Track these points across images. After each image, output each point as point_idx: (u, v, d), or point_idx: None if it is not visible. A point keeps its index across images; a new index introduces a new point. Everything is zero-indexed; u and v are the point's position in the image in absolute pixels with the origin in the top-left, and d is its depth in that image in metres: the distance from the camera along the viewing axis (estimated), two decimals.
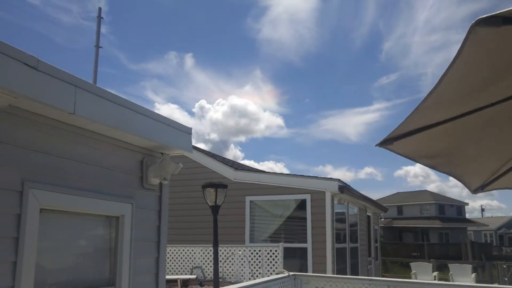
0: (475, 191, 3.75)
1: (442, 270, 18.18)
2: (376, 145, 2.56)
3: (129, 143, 3.26)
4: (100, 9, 8.67)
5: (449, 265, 15.70)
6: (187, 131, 3.66)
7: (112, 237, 3.15)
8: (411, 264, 16.39)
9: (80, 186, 2.81)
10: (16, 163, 2.39)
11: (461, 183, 3.56)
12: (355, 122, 64.62)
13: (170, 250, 9.43)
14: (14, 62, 2.15)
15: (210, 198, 6.71)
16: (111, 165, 3.11)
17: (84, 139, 2.86)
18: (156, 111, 3.24)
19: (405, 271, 20.66)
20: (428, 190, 51.55)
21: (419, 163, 3.02)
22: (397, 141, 2.52)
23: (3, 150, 2.31)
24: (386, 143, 2.53)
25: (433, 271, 15.75)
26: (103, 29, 8.95)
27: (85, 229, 3.02)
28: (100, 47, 8.45)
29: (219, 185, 6.76)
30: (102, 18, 8.65)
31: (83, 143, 2.86)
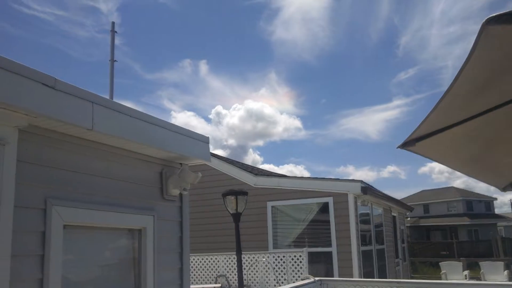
0: (504, 188, 3.64)
1: (473, 268, 17.74)
2: (398, 147, 2.52)
3: (148, 155, 3.29)
4: (113, 23, 8.81)
5: (480, 263, 15.33)
6: (205, 140, 3.68)
7: (135, 249, 3.17)
8: (441, 263, 16.05)
9: (102, 200, 2.84)
10: (38, 181, 2.43)
11: (488, 184, 3.46)
12: (375, 120, 63.91)
13: (194, 259, 9.46)
14: (32, 82, 2.20)
15: (231, 206, 6.71)
16: (131, 178, 3.14)
17: (103, 153, 2.90)
18: (173, 119, 3.29)
19: (435, 271, 20.25)
20: (454, 187, 50.55)
21: (444, 165, 2.94)
22: (419, 142, 2.46)
23: (25, 169, 2.35)
24: (407, 144, 2.48)
25: (463, 270, 15.38)
26: (117, 41, 9.10)
27: (108, 242, 3.05)
28: (115, 60, 8.58)
29: (239, 192, 6.76)
30: (116, 32, 8.78)
31: (102, 157, 2.90)
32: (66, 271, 2.55)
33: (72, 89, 2.43)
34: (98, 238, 2.94)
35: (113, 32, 8.75)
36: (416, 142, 2.53)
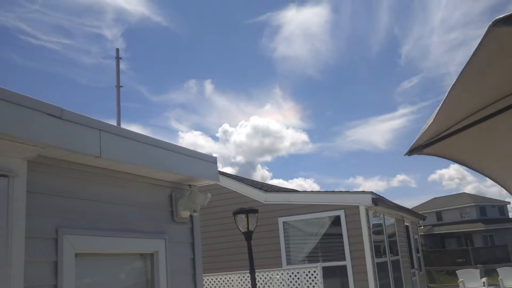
0: None
1: (490, 275, 17.39)
2: (405, 154, 2.50)
3: (157, 178, 3.29)
4: (117, 50, 8.95)
5: (497, 269, 15.04)
6: (212, 160, 3.68)
7: (148, 273, 3.16)
8: (458, 271, 15.76)
9: (112, 227, 2.84)
10: (48, 211, 2.44)
11: (500, 185, 3.41)
12: (381, 130, 63.61)
13: (207, 279, 9.38)
14: (39, 114, 2.23)
15: (242, 225, 6.67)
16: (141, 202, 3.14)
17: (112, 179, 2.91)
18: (180, 140, 3.32)
19: (452, 279, 19.91)
20: (466, 193, 49.95)
21: (456, 163, 2.89)
22: (427, 148, 2.43)
23: (35, 199, 2.36)
24: (414, 151, 2.46)
25: (481, 277, 15.09)
26: (122, 66, 9.24)
27: (120, 268, 3.04)
28: (121, 86, 8.69)
29: (250, 210, 6.72)
30: (121, 58, 8.90)
31: (111, 183, 2.90)
32: None
33: (78, 118, 2.45)
34: (111, 264, 2.93)
35: (118, 58, 8.88)
36: (424, 148, 2.51)
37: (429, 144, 2.42)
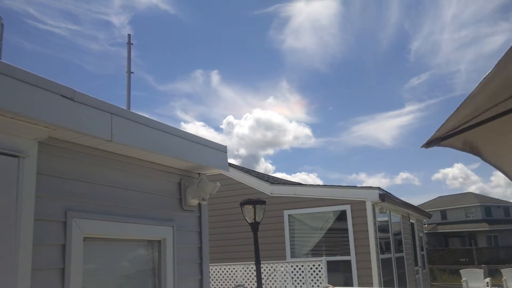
0: None
1: (494, 275, 17.32)
2: (422, 146, 2.43)
3: (167, 165, 3.26)
4: (129, 35, 8.88)
5: (501, 270, 14.94)
6: (223, 149, 3.64)
7: (155, 260, 3.13)
8: (461, 271, 15.67)
9: (121, 212, 2.81)
10: (58, 193, 2.41)
11: None
12: (388, 126, 63.29)
13: (212, 269, 9.40)
14: (51, 94, 2.19)
15: (249, 215, 6.64)
16: (150, 189, 3.11)
17: (123, 164, 2.88)
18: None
19: (455, 279, 19.85)
20: (471, 192, 49.71)
21: (474, 155, 2.82)
22: (445, 141, 2.37)
23: (44, 181, 2.33)
24: (432, 143, 2.40)
25: (484, 277, 15.00)
26: (131, 54, 9.16)
27: (128, 254, 3.02)
28: (132, 72, 8.63)
29: (257, 201, 6.69)
30: (132, 44, 8.84)
31: (121, 169, 2.87)
32: (86, 283, 2.51)
33: (91, 101, 2.41)
34: (118, 250, 2.91)
35: (129, 44, 8.81)
36: (442, 141, 2.44)
37: (448, 137, 2.35)
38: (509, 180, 3.39)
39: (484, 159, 2.77)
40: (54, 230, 2.36)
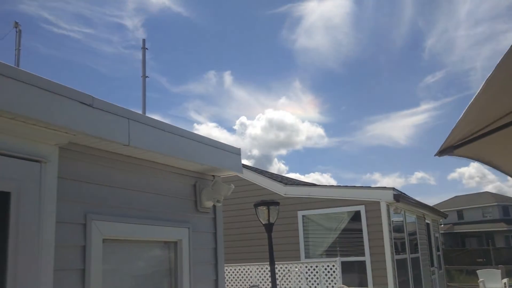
0: None
1: (511, 276, 17.06)
2: (435, 155, 2.44)
3: (182, 168, 3.32)
4: (144, 40, 9.02)
5: None
6: (236, 152, 3.70)
7: (171, 261, 3.20)
8: (478, 271, 15.50)
9: (139, 214, 2.89)
10: (78, 197, 2.49)
11: None
12: (403, 125, 62.71)
13: (226, 269, 9.47)
14: (71, 101, 2.27)
15: (263, 216, 6.69)
16: (166, 191, 3.18)
17: (140, 168, 2.95)
18: (195, 132, 3.29)
19: (472, 279, 19.60)
20: (488, 192, 48.98)
21: (488, 166, 2.80)
22: (458, 149, 2.37)
23: (65, 185, 2.42)
24: (445, 152, 2.40)
25: (502, 278, 14.80)
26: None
27: (145, 255, 3.09)
28: (147, 76, 8.76)
29: (271, 202, 6.73)
30: (147, 49, 8.97)
31: (138, 172, 2.95)
32: (106, 284, 2.59)
33: (109, 107, 2.49)
34: (135, 251, 2.98)
35: (144, 49, 8.95)
36: (455, 149, 2.44)
37: (461, 145, 2.35)
38: None
39: (500, 169, 2.76)
40: (74, 232, 2.44)
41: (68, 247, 2.39)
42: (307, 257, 9.97)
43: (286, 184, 10.82)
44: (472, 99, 2.02)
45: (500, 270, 15.41)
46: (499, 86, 1.98)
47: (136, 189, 2.91)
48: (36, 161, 2.25)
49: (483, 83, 1.88)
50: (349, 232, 9.89)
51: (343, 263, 8.73)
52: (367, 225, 9.43)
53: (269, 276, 6.74)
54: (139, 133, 2.67)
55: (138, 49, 9.48)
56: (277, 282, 8.45)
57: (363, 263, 9.33)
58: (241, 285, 9.43)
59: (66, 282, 2.35)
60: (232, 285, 9.51)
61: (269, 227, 6.69)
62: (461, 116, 2.18)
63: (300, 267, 8.61)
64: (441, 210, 17.93)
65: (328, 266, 8.38)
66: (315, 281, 8.41)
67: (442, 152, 2.41)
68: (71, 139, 2.40)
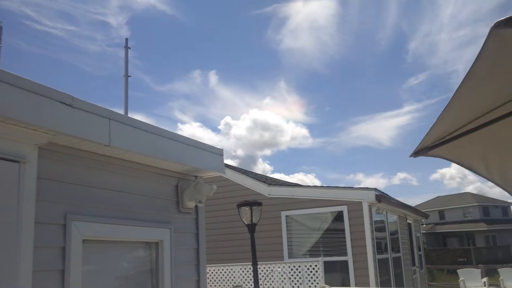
0: None
1: (491, 275, 17.40)
2: (411, 156, 2.50)
3: (164, 168, 3.33)
4: (126, 39, 8.96)
5: (498, 269, 15.03)
6: (219, 152, 3.71)
7: (153, 262, 3.20)
8: (459, 271, 15.77)
9: (119, 214, 2.88)
10: (57, 197, 2.48)
11: (506, 191, 3.38)
12: (386, 127, 63.35)
13: (209, 270, 9.46)
14: (51, 101, 2.26)
15: (245, 217, 6.71)
16: (148, 192, 3.18)
17: (121, 168, 2.95)
18: (179, 132, 3.30)
19: (453, 278, 19.93)
20: (469, 192, 49.79)
21: (461, 166, 2.88)
22: (433, 150, 2.44)
23: (44, 185, 2.40)
24: (420, 153, 2.46)
25: (482, 277, 15.09)
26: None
27: (126, 256, 3.08)
28: (129, 76, 8.70)
29: (254, 203, 6.76)
30: (129, 48, 8.91)
31: (120, 172, 2.94)
32: (86, 284, 2.58)
33: (89, 107, 2.48)
34: (116, 252, 2.97)
35: (127, 48, 8.88)
36: (429, 150, 2.50)
37: (435, 146, 2.42)
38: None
39: (473, 170, 2.84)
40: (54, 233, 2.43)
41: (47, 248, 2.38)
42: (290, 257, 10.03)
43: (270, 184, 10.86)
44: (448, 101, 2.08)
45: (480, 270, 15.70)
46: (473, 89, 2.04)
47: (117, 190, 2.90)
48: (15, 161, 2.23)
49: (459, 85, 1.94)
50: (332, 232, 9.98)
51: (326, 263, 8.81)
52: (350, 225, 9.52)
53: (253, 277, 6.77)
54: (120, 133, 2.67)
55: (122, 47, 9.43)
56: (260, 282, 8.48)
57: (345, 262, 9.43)
58: (224, 285, 9.43)
59: (45, 284, 2.33)
60: (215, 285, 9.50)
61: (252, 227, 6.72)
62: (437, 118, 2.24)
63: (283, 267, 8.66)
64: (423, 210, 18.21)
65: (310, 266, 8.45)
66: (297, 281, 8.46)
67: (417, 153, 2.47)
68: (50, 139, 2.38)
